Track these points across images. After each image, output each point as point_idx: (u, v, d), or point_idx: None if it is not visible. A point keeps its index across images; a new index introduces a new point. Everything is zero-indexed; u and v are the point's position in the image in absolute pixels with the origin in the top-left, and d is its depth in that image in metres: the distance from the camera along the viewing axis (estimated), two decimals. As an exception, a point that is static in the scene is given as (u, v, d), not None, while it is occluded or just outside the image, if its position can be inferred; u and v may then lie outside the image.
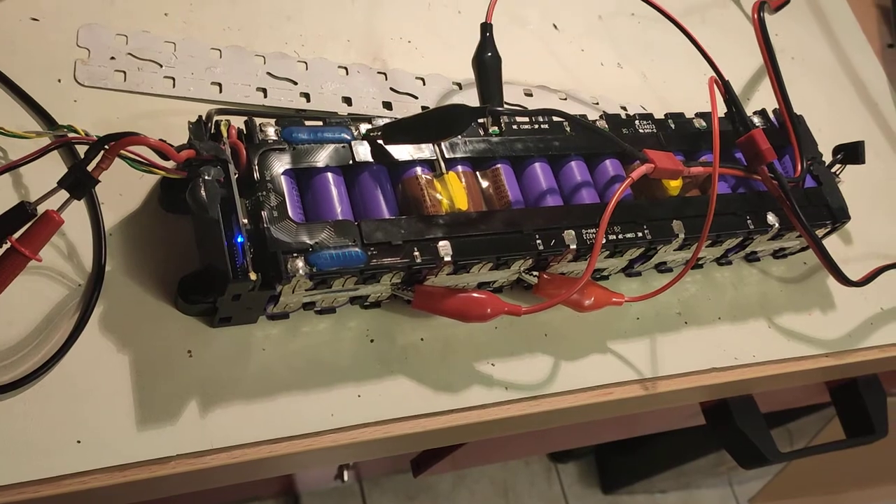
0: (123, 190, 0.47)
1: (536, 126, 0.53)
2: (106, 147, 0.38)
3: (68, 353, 0.42)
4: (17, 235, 0.38)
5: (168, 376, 0.44)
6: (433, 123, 0.47)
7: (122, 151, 0.40)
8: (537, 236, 0.49)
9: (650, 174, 0.52)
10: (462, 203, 0.48)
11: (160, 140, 0.40)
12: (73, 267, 0.44)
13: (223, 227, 0.43)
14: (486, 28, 0.54)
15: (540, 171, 0.52)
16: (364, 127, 0.49)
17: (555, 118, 0.53)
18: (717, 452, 1.27)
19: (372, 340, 0.49)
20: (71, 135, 0.44)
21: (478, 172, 0.51)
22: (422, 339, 0.50)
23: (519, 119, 0.53)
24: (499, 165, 0.51)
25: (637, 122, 0.57)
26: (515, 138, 0.52)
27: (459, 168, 0.50)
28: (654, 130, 0.57)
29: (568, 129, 0.54)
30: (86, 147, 0.41)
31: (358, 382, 0.48)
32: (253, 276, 0.42)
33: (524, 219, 0.49)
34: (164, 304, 0.45)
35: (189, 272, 0.45)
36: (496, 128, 0.51)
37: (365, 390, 0.47)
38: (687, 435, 1.03)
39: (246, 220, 0.43)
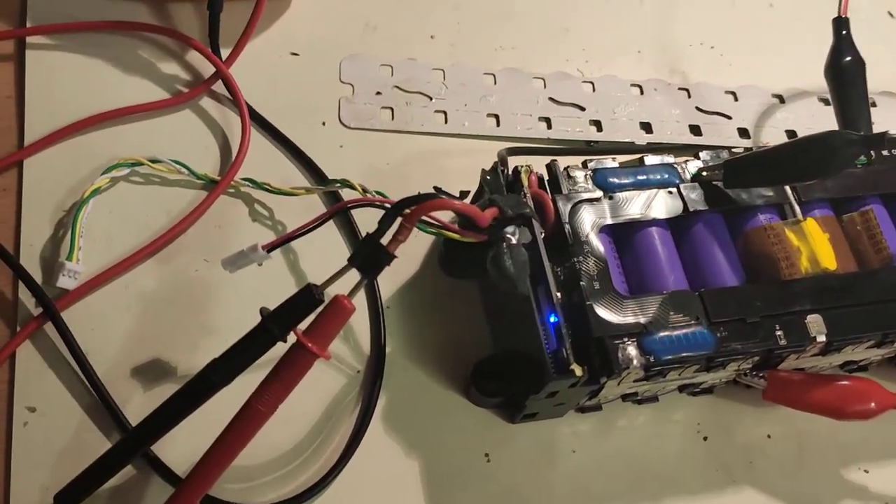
0: (399, 249, 0.40)
1: (913, 150, 0.40)
2: (403, 214, 0.31)
3: (352, 458, 0.35)
4: (302, 326, 0.31)
5: (464, 487, 0.35)
6: (797, 160, 0.35)
7: (415, 216, 0.32)
8: (938, 304, 0.36)
9: None
10: (829, 260, 0.36)
11: (464, 202, 0.31)
12: (350, 349, 0.37)
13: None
14: (842, 24, 0.41)
15: (927, 211, 0.39)
16: (693, 165, 0.38)
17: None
18: None
19: (705, 438, 0.38)
20: (345, 192, 0.38)
21: (843, 216, 0.39)
22: (769, 437, 0.39)
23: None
24: (870, 206, 0.38)
25: None
26: (888, 167, 0.39)
27: (817, 212, 0.38)
28: None
29: (957, 151, 0.40)
30: (364, 205, 0.35)
31: (692, 495, 0.37)
32: (578, 370, 0.32)
33: (918, 280, 0.36)
34: (454, 393, 0.37)
35: (483, 357, 0.37)
36: (864, 157, 0.39)
37: (702, 506, 0.37)
38: None
39: (559, 294, 0.34)
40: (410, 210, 0.30)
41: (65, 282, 0.35)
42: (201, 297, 0.37)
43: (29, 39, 0.40)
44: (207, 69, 0.41)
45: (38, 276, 0.35)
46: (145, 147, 0.39)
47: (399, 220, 0.31)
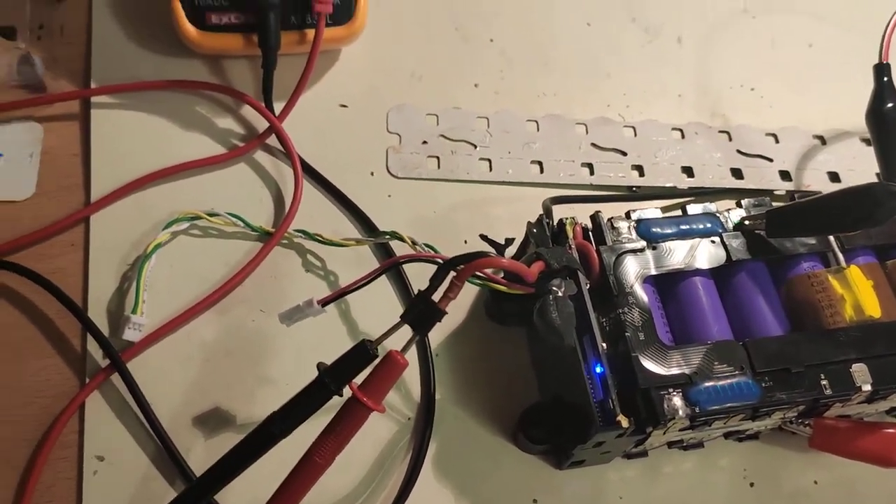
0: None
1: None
2: (454, 271, 0.32)
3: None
4: (358, 380, 0.32)
5: (513, 533, 0.36)
6: (839, 213, 0.35)
7: (464, 271, 0.33)
8: None
9: None
10: (873, 308, 0.36)
11: (511, 260, 0.32)
12: (401, 397, 0.38)
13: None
14: (884, 70, 0.41)
15: (973, 258, 0.39)
16: (735, 214, 0.39)
17: None
18: None
19: (752, 484, 0.39)
20: (395, 243, 0.39)
21: (887, 263, 0.39)
22: (815, 483, 0.39)
23: (931, 186, 0.40)
24: (914, 253, 0.39)
25: None
26: (932, 214, 0.39)
27: (861, 259, 0.38)
28: None
29: None
30: (414, 259, 0.36)
31: (740, 542, 0.37)
32: (624, 422, 0.33)
33: (965, 328, 0.36)
34: (502, 439, 0.38)
35: (530, 404, 0.38)
36: (908, 203, 0.39)
37: (750, 553, 0.37)
38: None
39: (604, 345, 0.35)
40: (460, 268, 0.32)
41: (130, 334, 0.37)
42: (258, 348, 0.38)
43: (94, 99, 0.42)
44: (262, 123, 0.43)
45: (105, 329, 0.37)
46: (203, 200, 0.41)
47: (449, 276, 0.32)
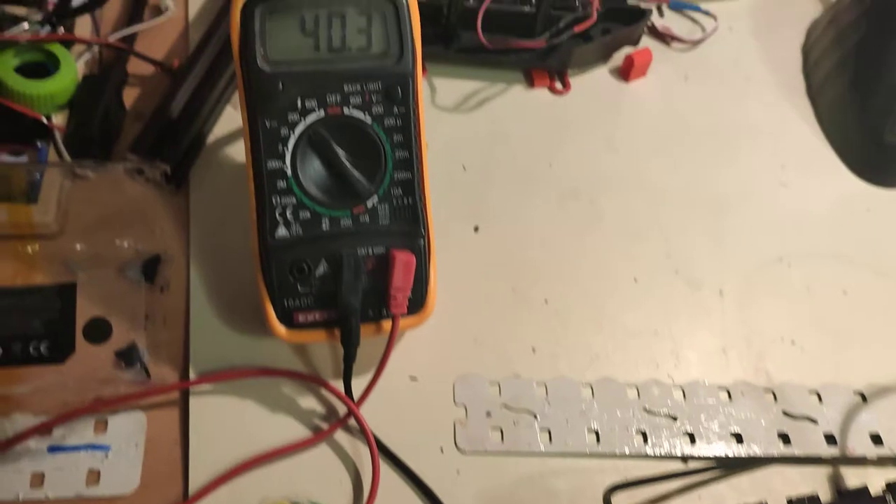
0: (513, 579, 0.44)
1: None
2: None
3: None
4: None
5: None
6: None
7: None
8: None
9: None
10: None
11: None
12: None
13: None
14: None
15: None
16: (786, 513, 0.41)
17: None
18: None
19: None
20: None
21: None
22: None
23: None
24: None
25: None
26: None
27: (908, 556, 0.41)
28: None
29: None
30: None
31: None
32: None
33: None
34: None
35: None
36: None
37: None
38: None
39: None
40: None
41: None
42: None
43: (192, 388, 0.47)
44: (340, 405, 0.47)
45: None
46: (289, 485, 0.45)
47: None
